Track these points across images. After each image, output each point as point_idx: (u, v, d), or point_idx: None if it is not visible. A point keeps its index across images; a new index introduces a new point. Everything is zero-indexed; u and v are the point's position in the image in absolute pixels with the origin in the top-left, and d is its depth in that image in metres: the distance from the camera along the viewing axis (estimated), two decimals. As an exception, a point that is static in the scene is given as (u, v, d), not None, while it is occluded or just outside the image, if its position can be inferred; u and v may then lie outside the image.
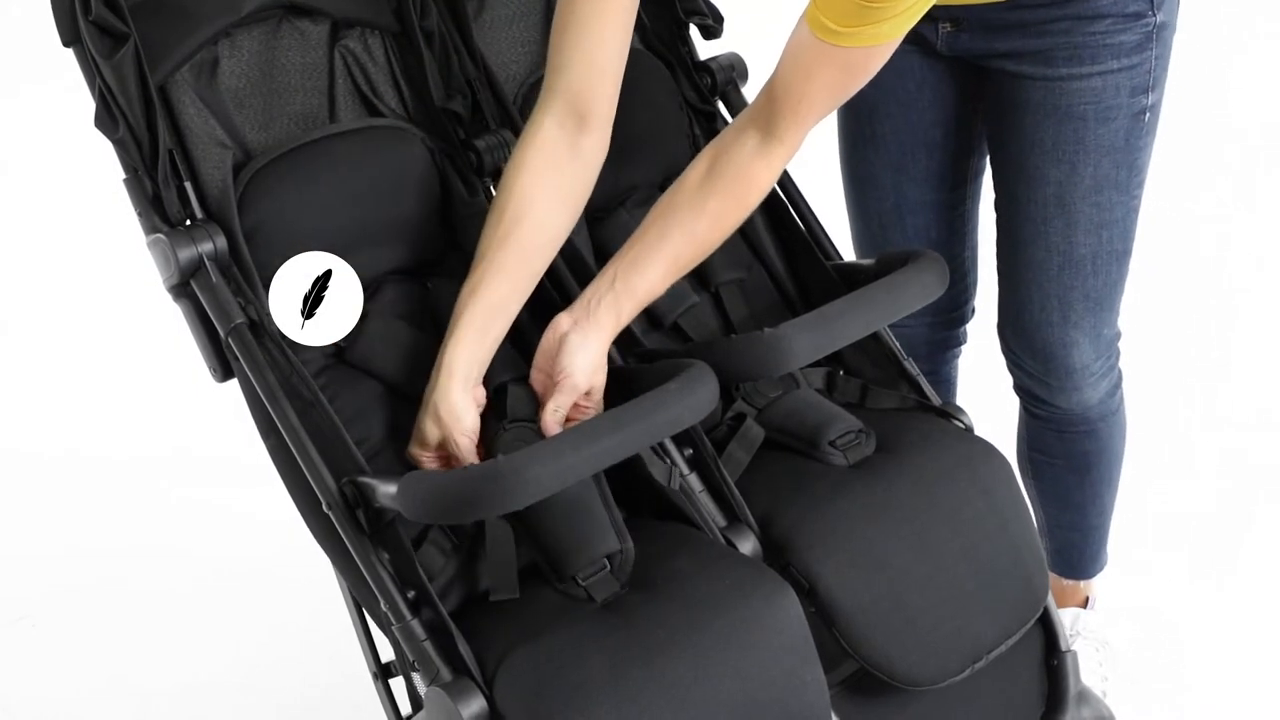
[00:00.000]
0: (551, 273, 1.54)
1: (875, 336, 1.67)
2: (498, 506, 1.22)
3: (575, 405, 1.40)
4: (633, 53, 1.76)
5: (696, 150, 1.78)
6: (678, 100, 1.78)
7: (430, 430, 1.38)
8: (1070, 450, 1.90)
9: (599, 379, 1.42)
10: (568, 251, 1.57)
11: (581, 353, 1.39)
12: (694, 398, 1.31)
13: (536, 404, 1.44)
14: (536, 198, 1.43)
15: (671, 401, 1.29)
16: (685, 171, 1.47)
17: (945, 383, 2.07)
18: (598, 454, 1.24)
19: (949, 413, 1.65)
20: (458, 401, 1.37)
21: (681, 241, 1.43)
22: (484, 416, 1.43)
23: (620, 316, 1.42)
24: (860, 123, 1.82)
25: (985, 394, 2.07)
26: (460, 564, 1.41)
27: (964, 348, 2.06)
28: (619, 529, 1.39)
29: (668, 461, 1.48)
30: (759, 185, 1.45)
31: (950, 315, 1.97)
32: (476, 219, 1.55)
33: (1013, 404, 1.96)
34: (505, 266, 1.42)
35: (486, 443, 1.41)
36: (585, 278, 1.55)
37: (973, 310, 2.00)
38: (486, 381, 1.44)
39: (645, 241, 1.44)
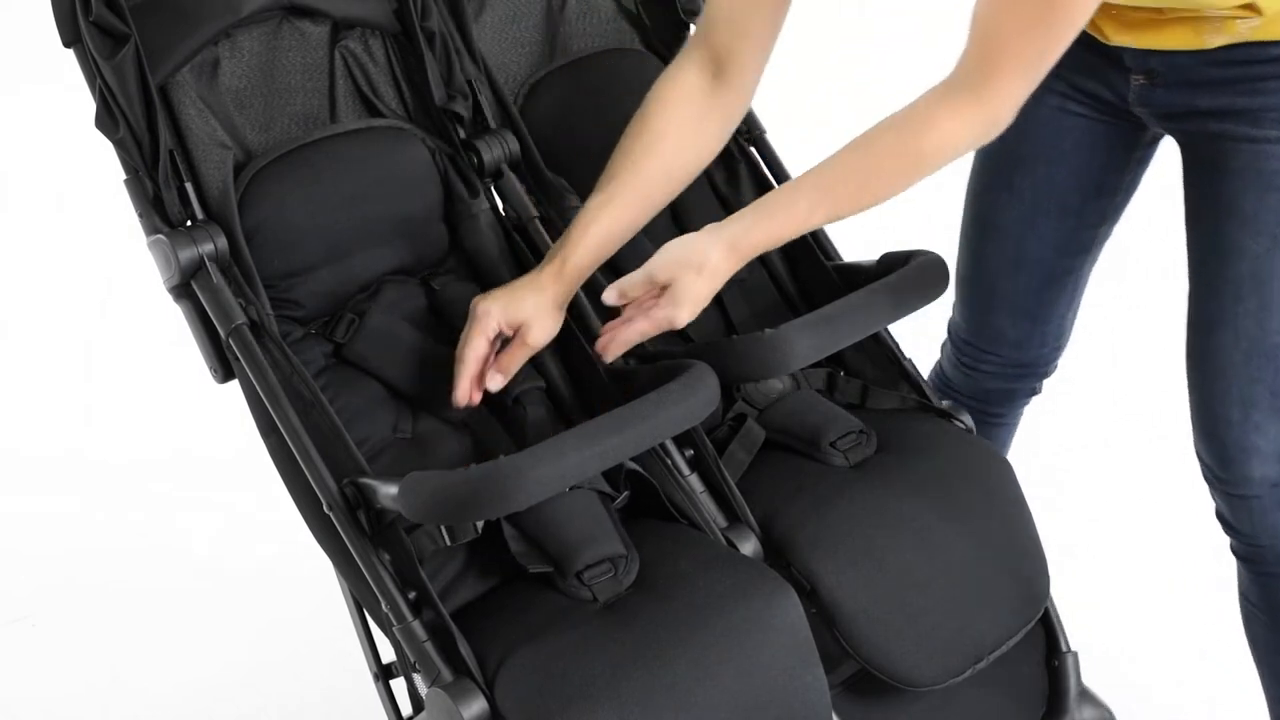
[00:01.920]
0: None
1: (876, 337, 1.67)
2: (500, 508, 1.22)
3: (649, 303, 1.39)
4: (633, 53, 1.77)
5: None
6: (678, 100, 1.77)
7: (484, 306, 1.41)
8: (1270, 599, 1.60)
9: (680, 273, 1.36)
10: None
11: (681, 245, 1.37)
12: (695, 399, 1.31)
13: (552, 414, 1.46)
14: (668, 133, 1.46)
15: (672, 402, 1.29)
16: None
17: (1008, 426, 1.95)
18: (599, 455, 1.24)
19: (950, 414, 1.65)
20: (522, 305, 1.41)
21: (834, 176, 1.36)
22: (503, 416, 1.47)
23: (749, 236, 1.36)
24: (1000, 171, 1.69)
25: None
26: (461, 564, 1.41)
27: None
28: (624, 539, 1.39)
29: (668, 463, 1.48)
30: (933, 137, 1.32)
31: (1035, 370, 1.85)
32: (476, 219, 1.56)
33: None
34: (626, 195, 1.45)
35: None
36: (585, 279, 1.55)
37: (1055, 366, 1.87)
38: (506, 389, 1.46)
39: (801, 179, 1.38)
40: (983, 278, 1.75)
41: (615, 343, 1.41)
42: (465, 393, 1.42)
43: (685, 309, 1.36)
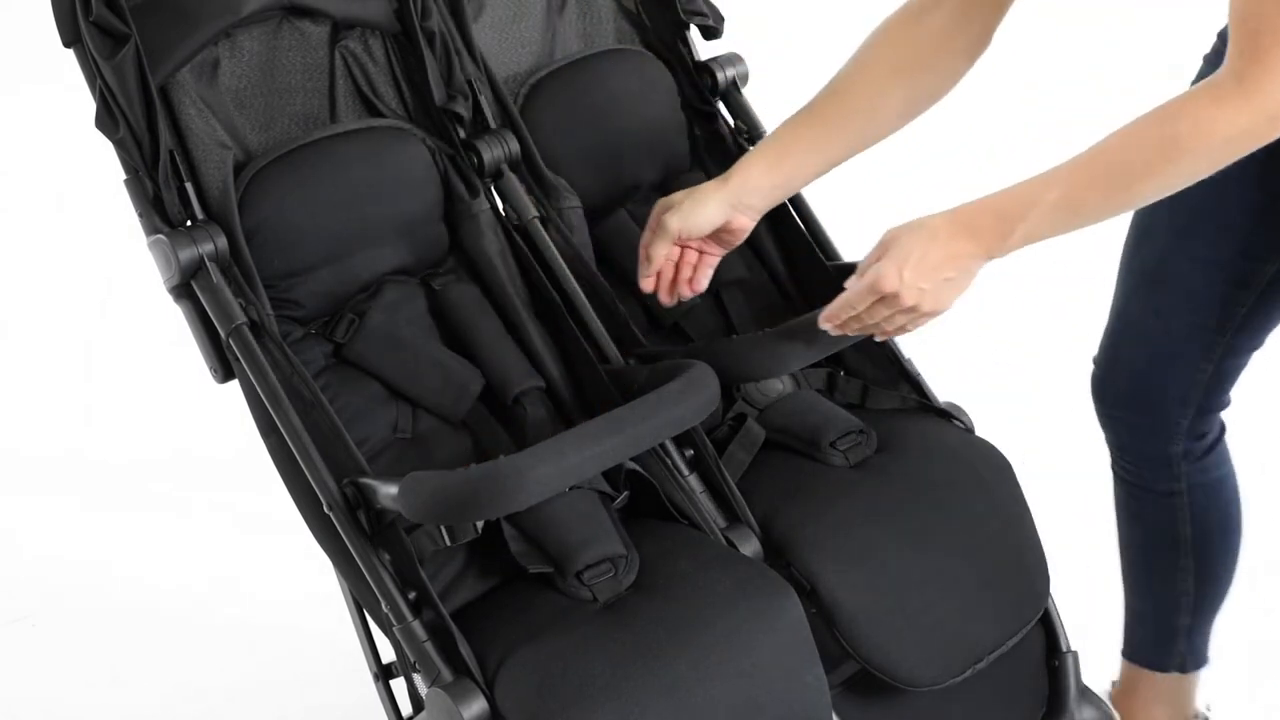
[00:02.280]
0: (552, 275, 1.54)
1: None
2: (500, 508, 1.22)
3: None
4: (632, 53, 1.77)
5: (696, 151, 1.78)
6: (678, 101, 1.78)
7: (667, 219, 1.43)
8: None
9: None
10: (567, 252, 1.57)
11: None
12: (695, 399, 1.31)
13: (552, 414, 1.46)
14: (868, 63, 1.45)
15: (673, 402, 1.29)
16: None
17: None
18: (599, 455, 1.24)
19: (950, 413, 1.65)
20: (703, 210, 1.43)
21: (1081, 168, 1.27)
22: (505, 418, 1.47)
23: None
24: None
25: (985, 394, 2.06)
26: (461, 564, 1.41)
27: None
28: (624, 539, 1.39)
29: (668, 463, 1.48)
30: (1188, 123, 1.21)
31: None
32: (477, 219, 1.56)
33: (1013, 404, 1.95)
34: (813, 121, 1.44)
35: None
36: (586, 277, 1.55)
37: (1229, 400, 1.66)
38: (507, 390, 1.47)
39: (1052, 171, 1.29)
40: (1133, 296, 1.62)
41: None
42: (651, 284, 1.48)
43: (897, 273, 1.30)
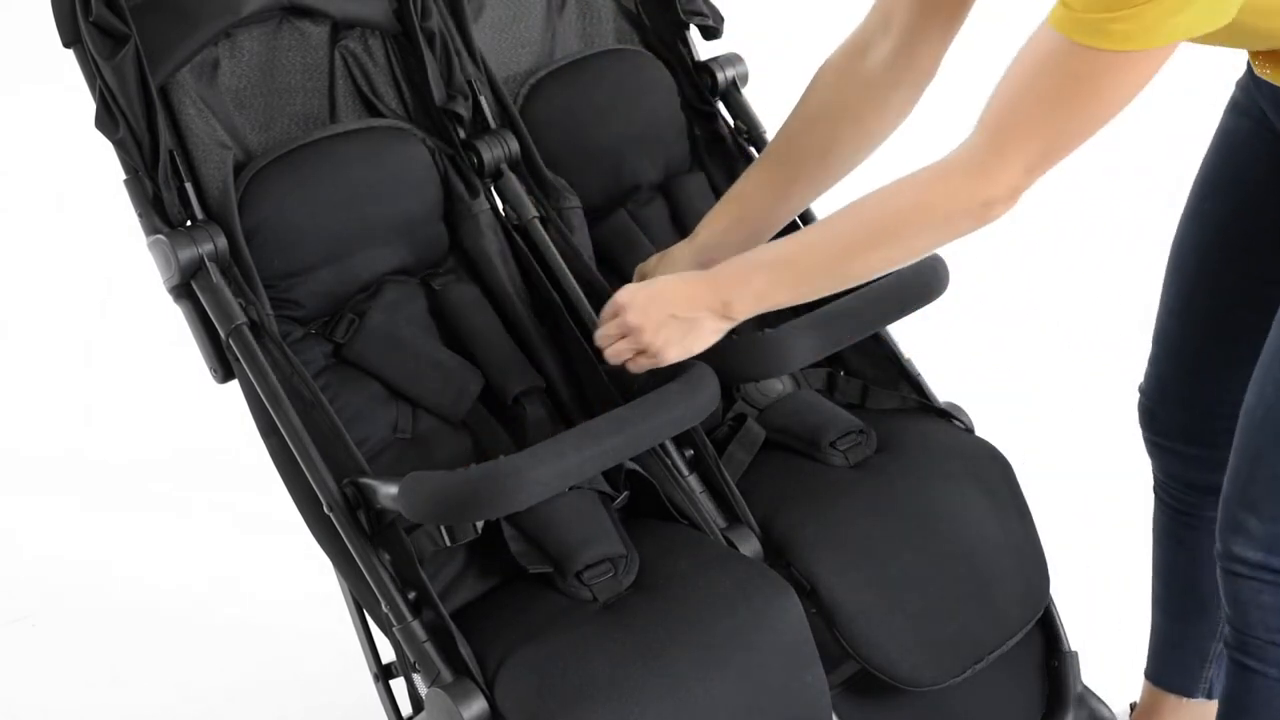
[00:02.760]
0: (552, 275, 1.54)
1: (876, 337, 1.67)
2: (500, 508, 1.22)
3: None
4: (632, 53, 1.77)
5: (696, 151, 1.78)
6: (678, 101, 1.78)
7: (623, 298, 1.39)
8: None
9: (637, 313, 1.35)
10: (567, 252, 1.57)
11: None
12: (696, 399, 1.31)
13: (552, 414, 1.47)
14: (814, 108, 1.44)
15: (673, 403, 1.29)
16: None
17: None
18: (599, 455, 1.24)
19: (950, 413, 1.65)
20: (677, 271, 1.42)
21: (811, 235, 1.32)
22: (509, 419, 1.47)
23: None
24: (1192, 196, 1.51)
25: (985, 394, 2.06)
26: (461, 565, 1.41)
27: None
28: (624, 539, 1.39)
29: (668, 463, 1.48)
30: (912, 196, 1.23)
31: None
32: (476, 219, 1.56)
33: (1013, 404, 1.95)
34: (770, 172, 1.45)
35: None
36: (586, 277, 1.55)
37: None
38: (506, 390, 1.47)
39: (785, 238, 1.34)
40: (1167, 314, 1.58)
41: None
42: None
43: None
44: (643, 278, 1.49)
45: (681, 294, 1.34)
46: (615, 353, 1.37)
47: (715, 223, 1.49)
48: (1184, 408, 1.58)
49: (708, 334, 1.34)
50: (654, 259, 1.53)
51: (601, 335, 1.39)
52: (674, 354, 1.34)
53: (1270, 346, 1.31)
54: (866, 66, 1.42)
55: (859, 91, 1.42)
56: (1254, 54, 1.33)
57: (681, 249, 1.50)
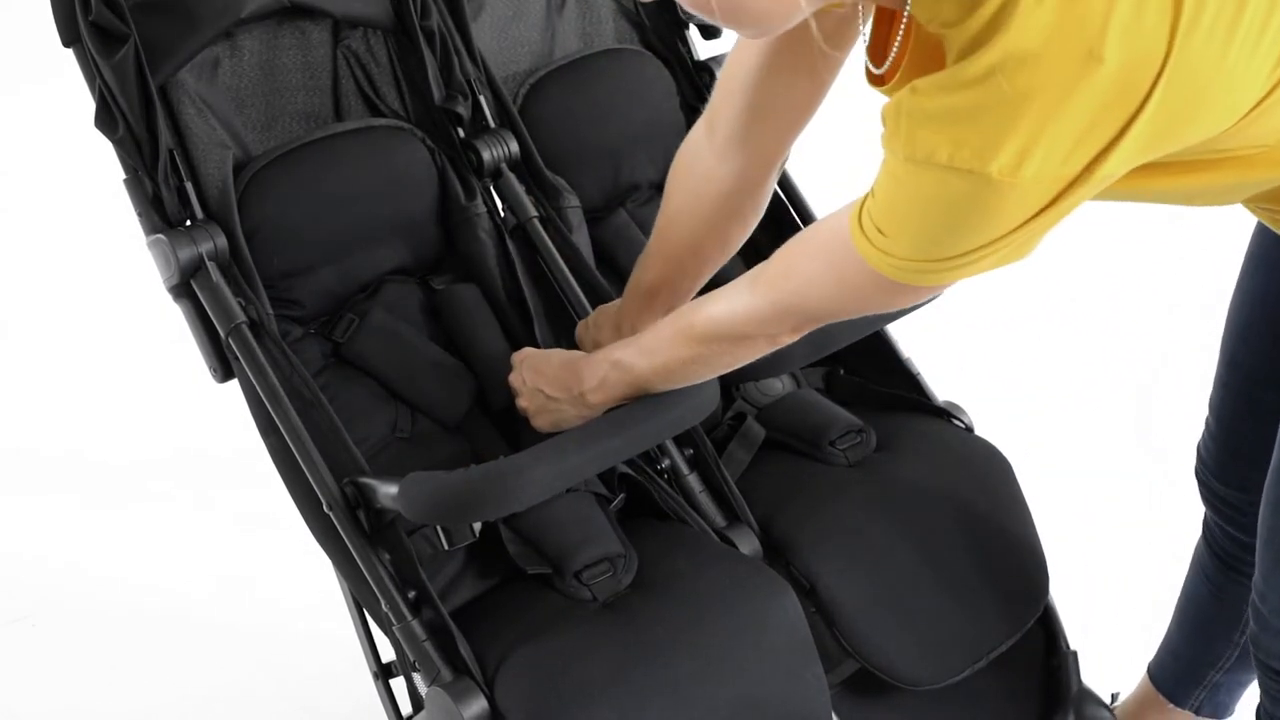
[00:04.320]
0: (551, 274, 1.54)
1: (876, 336, 1.67)
2: (500, 508, 1.22)
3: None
4: (631, 53, 1.77)
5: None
6: (677, 100, 1.78)
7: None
8: None
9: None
10: (566, 252, 1.57)
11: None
12: (695, 399, 1.31)
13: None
14: (672, 194, 1.41)
15: (673, 403, 1.29)
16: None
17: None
18: (598, 456, 1.24)
19: (949, 412, 1.65)
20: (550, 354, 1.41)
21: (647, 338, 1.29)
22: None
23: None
24: (1240, 273, 1.46)
25: (985, 394, 2.06)
26: (460, 565, 1.41)
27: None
28: (622, 539, 1.39)
29: (665, 463, 1.48)
30: (705, 311, 1.24)
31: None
32: (471, 223, 1.55)
33: (1011, 402, 1.95)
34: (648, 261, 1.43)
35: None
36: (586, 277, 1.55)
37: None
38: (501, 396, 1.47)
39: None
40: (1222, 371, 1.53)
41: None
42: None
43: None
44: (585, 330, 1.49)
45: (550, 374, 1.37)
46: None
47: (627, 307, 1.44)
48: (1231, 485, 1.55)
49: (571, 417, 1.36)
50: (595, 312, 1.49)
51: (511, 377, 1.43)
52: (541, 424, 1.39)
53: None
54: (700, 173, 1.36)
55: (700, 199, 1.37)
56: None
57: (607, 311, 1.47)
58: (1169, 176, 1.06)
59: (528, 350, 1.43)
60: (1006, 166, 0.91)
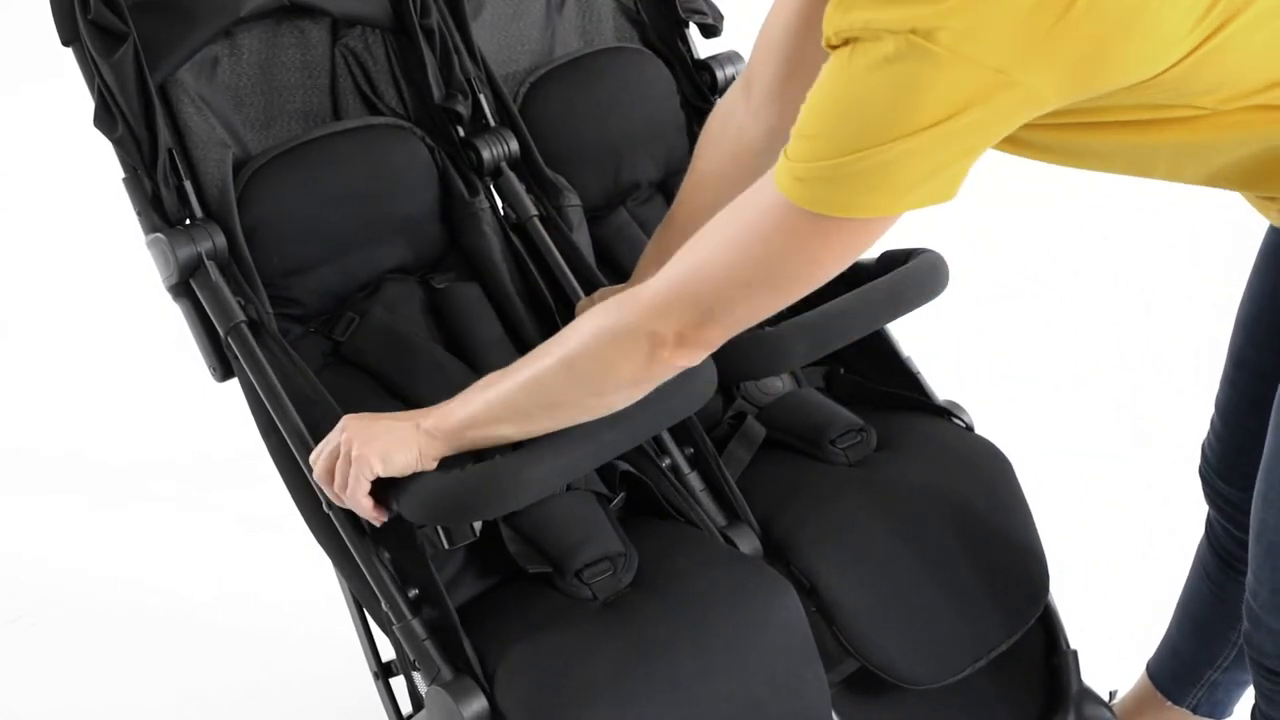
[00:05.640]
0: (548, 272, 1.54)
1: (876, 335, 1.67)
2: (499, 507, 1.22)
3: None
4: (632, 51, 1.77)
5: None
6: (677, 98, 1.78)
7: None
8: None
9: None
10: (567, 251, 1.57)
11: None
12: (691, 388, 1.28)
13: None
14: (702, 154, 1.39)
15: (668, 393, 1.28)
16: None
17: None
18: (598, 449, 1.24)
19: (949, 411, 1.65)
20: None
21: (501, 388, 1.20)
22: None
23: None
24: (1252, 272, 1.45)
25: (985, 393, 2.06)
26: (460, 564, 1.40)
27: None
28: (623, 538, 1.39)
29: (666, 462, 1.47)
30: (578, 333, 1.16)
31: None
32: (476, 218, 1.55)
33: (1013, 403, 1.95)
34: (666, 231, 1.39)
35: None
36: (586, 276, 1.55)
37: None
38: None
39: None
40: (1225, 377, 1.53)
41: None
42: None
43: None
44: (585, 309, 1.42)
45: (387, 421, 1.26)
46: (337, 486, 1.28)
47: (644, 272, 1.41)
48: (1235, 484, 1.55)
49: (408, 439, 1.23)
50: (598, 292, 1.47)
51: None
52: (376, 449, 1.23)
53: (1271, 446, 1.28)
54: (733, 132, 1.36)
55: (730, 159, 1.36)
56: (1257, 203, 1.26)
57: (610, 291, 1.44)
58: (1110, 132, 1.07)
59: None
60: (946, 40, 0.92)
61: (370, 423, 1.25)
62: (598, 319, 1.15)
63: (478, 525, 1.37)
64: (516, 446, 1.23)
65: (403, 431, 1.22)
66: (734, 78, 1.79)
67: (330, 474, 1.25)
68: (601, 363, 1.15)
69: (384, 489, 1.23)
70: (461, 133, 1.57)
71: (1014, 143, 1.06)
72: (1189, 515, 1.71)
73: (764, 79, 1.31)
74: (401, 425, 1.23)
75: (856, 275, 1.61)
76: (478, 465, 1.19)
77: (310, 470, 1.31)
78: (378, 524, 1.27)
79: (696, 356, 1.13)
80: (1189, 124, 1.06)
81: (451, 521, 1.29)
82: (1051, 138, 1.07)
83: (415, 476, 1.22)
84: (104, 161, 1.51)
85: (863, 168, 0.97)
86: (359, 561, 1.30)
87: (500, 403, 1.20)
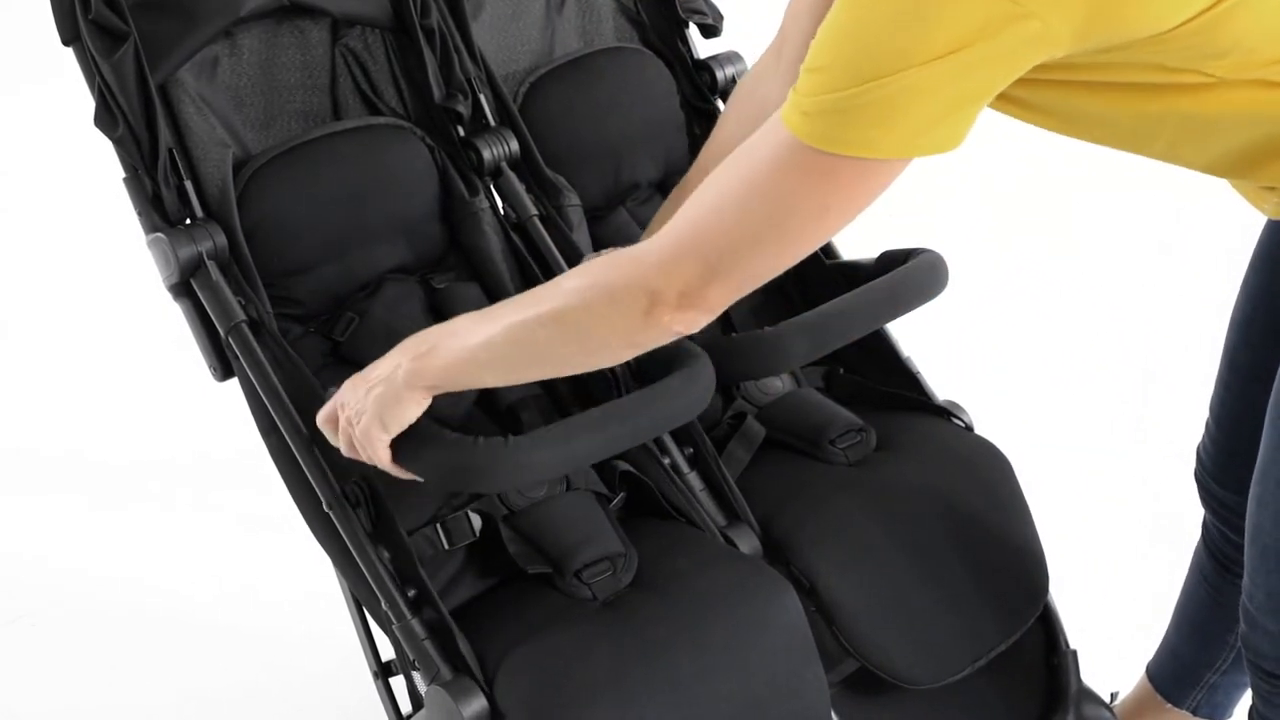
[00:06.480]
0: (549, 271, 1.54)
1: (876, 335, 1.67)
2: (498, 482, 1.22)
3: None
4: (632, 51, 1.77)
5: (695, 149, 1.78)
6: (677, 99, 1.78)
7: None
8: None
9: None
10: (567, 251, 1.57)
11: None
12: (696, 389, 1.30)
13: (549, 420, 1.46)
14: (727, 120, 1.38)
15: (673, 394, 1.29)
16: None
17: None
18: (603, 442, 1.24)
19: (949, 411, 1.65)
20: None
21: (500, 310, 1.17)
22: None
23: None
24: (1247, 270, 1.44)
25: (985, 393, 2.06)
26: (460, 564, 1.41)
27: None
28: (622, 538, 1.39)
29: (666, 461, 1.48)
30: (571, 280, 1.11)
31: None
32: (476, 218, 1.56)
33: (1012, 401, 1.95)
34: (684, 184, 1.39)
35: None
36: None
37: None
38: (503, 397, 1.46)
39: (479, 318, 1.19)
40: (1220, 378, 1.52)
41: None
42: None
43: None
44: None
45: (379, 373, 1.24)
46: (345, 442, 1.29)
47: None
48: (1229, 488, 1.55)
49: (403, 398, 1.20)
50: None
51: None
52: (373, 418, 1.22)
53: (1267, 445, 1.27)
54: (760, 96, 1.35)
55: (755, 124, 1.26)
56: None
57: None
58: (1115, 95, 1.04)
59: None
60: None
61: (366, 380, 1.23)
62: (595, 272, 1.09)
63: (477, 525, 1.37)
64: None
65: (393, 388, 1.19)
66: (734, 78, 1.79)
67: (349, 445, 1.24)
68: (595, 318, 1.08)
69: (398, 444, 1.22)
70: (461, 132, 1.57)
71: (1016, 103, 1.04)
72: (1192, 516, 1.71)
73: (794, 44, 1.28)
74: (386, 386, 1.20)
75: (856, 275, 1.62)
76: (489, 439, 1.18)
77: (310, 470, 1.31)
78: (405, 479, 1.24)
79: (695, 321, 1.07)
80: (1196, 93, 1.04)
81: (451, 486, 1.31)
82: (1055, 97, 1.04)
83: (427, 438, 1.21)
84: (104, 161, 1.51)
85: (870, 99, 0.93)
86: (359, 561, 1.30)
87: (483, 350, 1.15)
